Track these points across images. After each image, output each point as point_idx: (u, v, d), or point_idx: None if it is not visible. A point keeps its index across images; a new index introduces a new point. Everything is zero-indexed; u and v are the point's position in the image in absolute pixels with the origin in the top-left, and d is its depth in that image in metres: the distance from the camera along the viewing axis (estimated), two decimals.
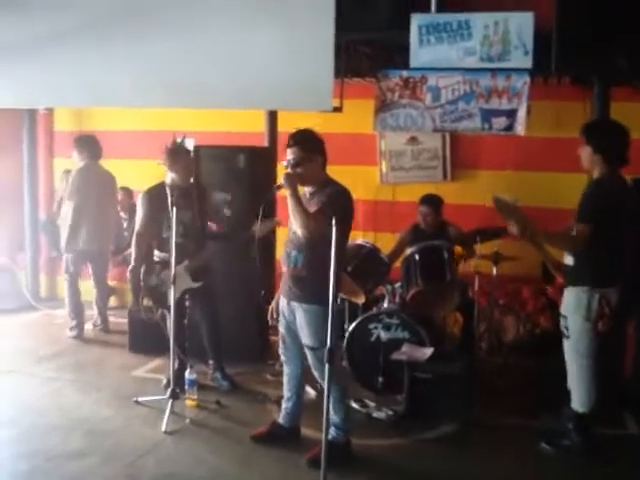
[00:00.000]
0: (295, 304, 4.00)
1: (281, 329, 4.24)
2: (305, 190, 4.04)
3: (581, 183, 4.42)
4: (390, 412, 4.70)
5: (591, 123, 4.24)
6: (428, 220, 5.80)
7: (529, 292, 6.49)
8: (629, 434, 4.60)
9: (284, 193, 3.89)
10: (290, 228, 4.02)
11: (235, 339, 5.57)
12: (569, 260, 4.10)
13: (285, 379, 4.34)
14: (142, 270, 5.16)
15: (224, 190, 5.68)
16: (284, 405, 4.36)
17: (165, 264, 4.91)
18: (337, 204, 3.83)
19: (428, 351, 4.80)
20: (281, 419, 4.35)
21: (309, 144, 4.00)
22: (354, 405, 4.80)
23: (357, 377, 5.15)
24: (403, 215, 6.64)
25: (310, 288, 3.87)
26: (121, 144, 7.58)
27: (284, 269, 4.10)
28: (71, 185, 6.44)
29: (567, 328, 4.08)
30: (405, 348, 4.90)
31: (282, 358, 4.33)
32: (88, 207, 6.40)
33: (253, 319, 5.87)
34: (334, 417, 4.02)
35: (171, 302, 4.68)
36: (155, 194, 4.99)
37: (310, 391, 5.12)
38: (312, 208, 3.84)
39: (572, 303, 4.05)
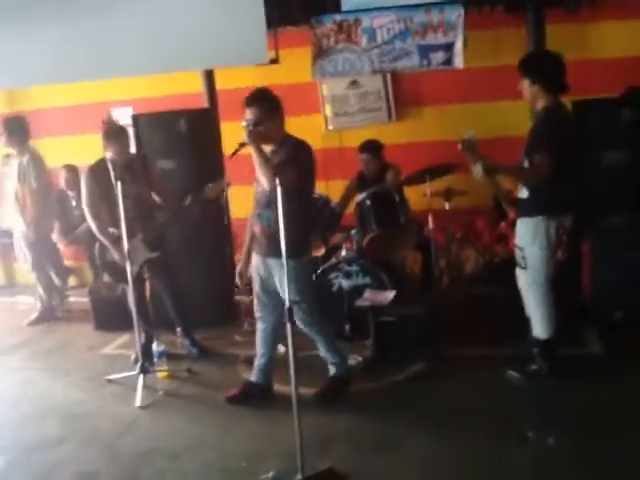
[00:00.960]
0: (272, 260, 4.04)
1: (256, 287, 4.29)
2: (267, 150, 4.04)
3: (524, 110, 4.46)
4: (360, 358, 4.76)
5: (525, 56, 4.26)
6: (370, 166, 5.83)
7: (484, 223, 6.58)
8: (590, 352, 4.74)
9: (247, 151, 3.92)
10: (257, 189, 4.08)
11: (200, 304, 5.57)
12: (523, 193, 4.15)
13: (259, 336, 4.38)
14: (97, 247, 5.11)
15: (168, 157, 5.58)
16: (257, 362, 4.41)
17: (119, 239, 4.85)
18: (297, 157, 3.95)
19: (390, 294, 4.85)
20: (254, 377, 4.41)
21: (268, 103, 4.05)
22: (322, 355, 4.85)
23: None
24: (353, 160, 6.61)
25: (284, 242, 3.85)
26: (59, 121, 7.41)
27: (256, 229, 4.14)
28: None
29: (524, 259, 4.15)
30: (367, 294, 4.95)
31: (257, 315, 4.38)
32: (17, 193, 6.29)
33: (217, 282, 5.87)
34: (328, 356, 4.32)
35: (129, 276, 4.63)
36: (98, 171, 4.90)
37: (280, 347, 5.17)
38: (277, 160, 3.94)
39: (529, 234, 4.11)
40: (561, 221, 4.05)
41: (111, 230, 4.91)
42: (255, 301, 4.37)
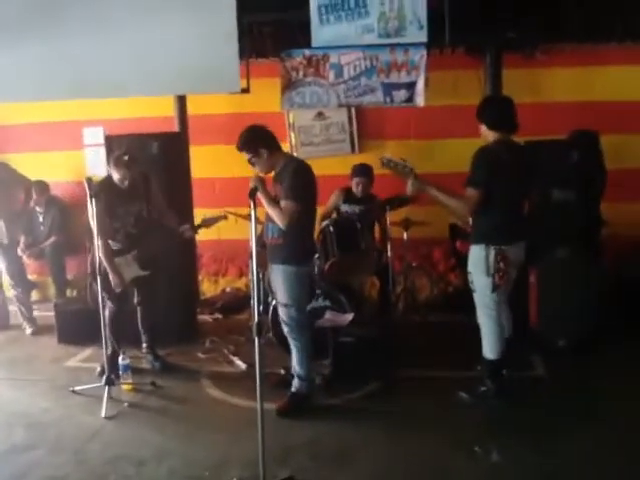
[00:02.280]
0: (274, 266, 4.48)
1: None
2: (275, 171, 4.47)
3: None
4: (319, 376, 4.97)
5: (480, 104, 4.58)
6: (363, 189, 6.06)
7: (440, 253, 6.90)
8: (537, 375, 5.04)
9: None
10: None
11: (164, 321, 5.67)
12: (470, 220, 4.47)
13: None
14: (89, 258, 5.29)
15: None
16: None
17: (115, 253, 5.09)
18: (293, 183, 4.28)
19: (349, 316, 5.07)
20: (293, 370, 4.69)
21: (249, 144, 4.41)
22: (282, 372, 5.06)
23: (284, 346, 5.39)
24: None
25: (285, 252, 4.38)
26: (29, 137, 7.52)
27: (265, 239, 4.55)
28: None
29: (473, 283, 4.46)
30: (328, 315, 5.15)
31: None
32: None
33: (180, 300, 6.02)
34: (298, 369, 4.56)
35: (99, 289, 4.79)
36: (104, 188, 5.03)
37: (240, 364, 5.37)
38: (277, 186, 4.36)
39: (474, 260, 4.43)
40: (501, 250, 4.33)
41: (111, 243, 5.08)
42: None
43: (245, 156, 4.41)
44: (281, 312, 4.52)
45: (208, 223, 5.24)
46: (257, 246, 4.45)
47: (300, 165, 4.45)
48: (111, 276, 5.03)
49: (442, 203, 4.44)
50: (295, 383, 4.59)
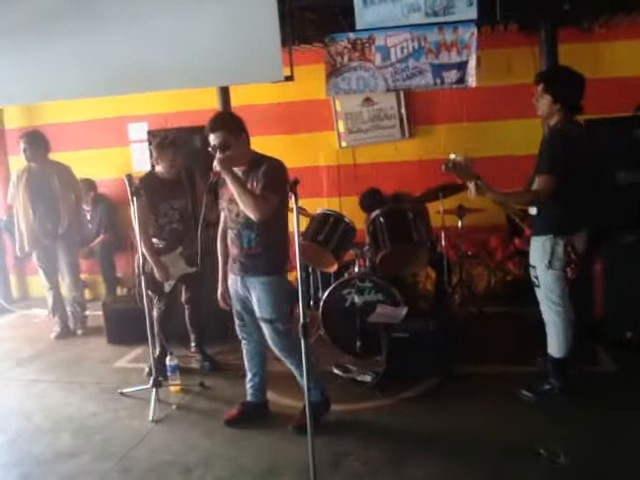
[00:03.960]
0: (251, 279, 4.01)
1: (237, 307, 4.22)
2: (236, 172, 3.93)
3: (535, 128, 4.48)
4: (372, 374, 4.77)
5: (550, 72, 4.23)
6: None
7: (496, 241, 6.60)
8: (603, 370, 4.74)
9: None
10: (231, 210, 4.01)
11: (214, 318, 5.55)
12: (533, 210, 4.15)
13: (247, 357, 4.33)
14: (136, 257, 5.19)
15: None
16: (250, 383, 4.37)
17: (160, 251, 4.98)
18: (278, 179, 3.83)
19: (403, 310, 4.86)
20: (249, 397, 4.38)
21: (232, 125, 3.93)
22: (336, 371, 4.88)
23: (336, 343, 5.23)
24: (365, 177, 6.68)
25: (266, 261, 3.95)
26: (74, 135, 7.49)
27: (233, 250, 4.05)
28: (12, 186, 6.35)
29: (537, 278, 4.16)
30: (380, 309, 4.96)
31: (241, 336, 4.31)
32: (40, 204, 6.27)
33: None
34: (302, 381, 4.03)
35: (143, 289, 4.69)
36: (147, 183, 4.90)
37: None
38: (252, 183, 3.85)
39: (539, 252, 4.11)
40: (570, 240, 4.04)
41: (154, 240, 4.97)
42: (236, 322, 4.27)
43: (217, 139, 3.82)
44: (266, 330, 4.04)
45: None
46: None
47: (278, 163, 3.94)
48: (157, 272, 4.93)
49: (508, 202, 4.18)
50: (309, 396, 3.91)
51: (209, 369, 5.26)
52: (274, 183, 3.79)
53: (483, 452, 3.74)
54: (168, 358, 4.95)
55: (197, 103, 6.78)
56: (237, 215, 3.96)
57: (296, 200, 3.29)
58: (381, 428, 4.14)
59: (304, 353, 3.34)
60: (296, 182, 3.31)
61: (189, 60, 5.58)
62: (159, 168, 5.04)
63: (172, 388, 4.89)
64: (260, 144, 6.90)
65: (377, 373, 4.76)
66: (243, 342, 4.32)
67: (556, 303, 4.13)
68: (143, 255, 4.78)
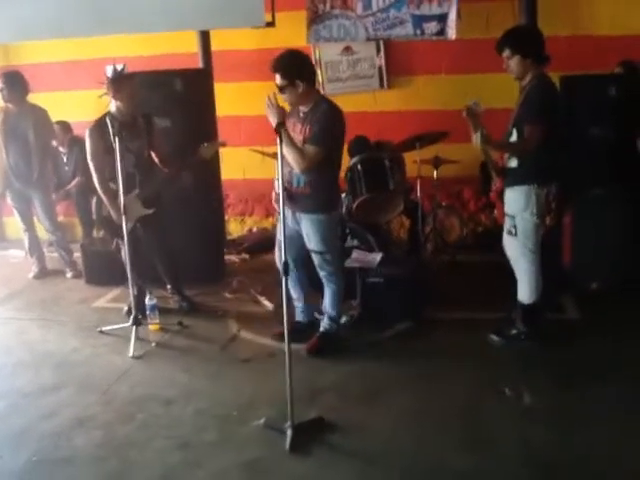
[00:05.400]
0: (301, 215, 4.32)
1: (280, 237, 4.32)
2: (300, 109, 4.22)
3: (511, 83, 4.56)
4: (346, 316, 4.91)
5: (509, 33, 4.30)
6: None
7: (470, 193, 6.74)
8: (569, 318, 4.94)
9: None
10: None
11: (190, 262, 5.64)
12: (513, 162, 4.27)
13: (290, 284, 4.53)
14: (94, 201, 5.20)
15: (163, 116, 5.59)
16: (297, 304, 4.76)
17: (116, 194, 4.94)
18: (326, 128, 4.07)
19: (377, 256, 4.99)
20: (298, 317, 4.77)
21: (289, 69, 4.09)
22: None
23: (312, 286, 5.34)
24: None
25: (314, 201, 4.24)
26: (52, 76, 7.38)
27: (287, 186, 4.17)
28: None
29: (515, 227, 4.29)
30: (355, 255, 5.07)
31: (278, 263, 4.49)
32: (13, 146, 6.24)
33: (207, 241, 5.96)
34: (330, 310, 4.52)
35: (124, 231, 4.72)
36: (104, 125, 4.84)
37: (267, 304, 5.33)
38: (305, 127, 4.13)
39: (521, 201, 4.23)
40: (550, 189, 4.19)
41: (111, 184, 4.97)
42: (276, 251, 4.54)
43: (277, 80, 4.09)
44: (315, 259, 4.42)
45: (206, 151, 4.94)
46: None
47: (333, 109, 4.18)
48: (113, 214, 4.91)
49: (502, 152, 4.31)
50: (325, 323, 4.56)
51: (187, 309, 5.37)
52: (320, 132, 4.06)
53: (451, 390, 3.92)
54: (147, 297, 5.03)
55: (177, 46, 6.74)
56: None
57: (280, 143, 3.36)
58: (356, 365, 4.31)
59: (284, 290, 3.46)
60: (282, 124, 3.39)
61: (170, 2, 5.56)
62: (118, 106, 4.93)
63: (151, 327, 4.99)
64: (239, 90, 7.04)
65: (352, 316, 4.91)
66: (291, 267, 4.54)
67: (531, 251, 4.29)
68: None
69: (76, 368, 4.43)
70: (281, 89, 4.10)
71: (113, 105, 4.94)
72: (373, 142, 5.86)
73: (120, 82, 4.88)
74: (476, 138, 3.96)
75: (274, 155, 5.42)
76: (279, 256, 4.46)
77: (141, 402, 3.94)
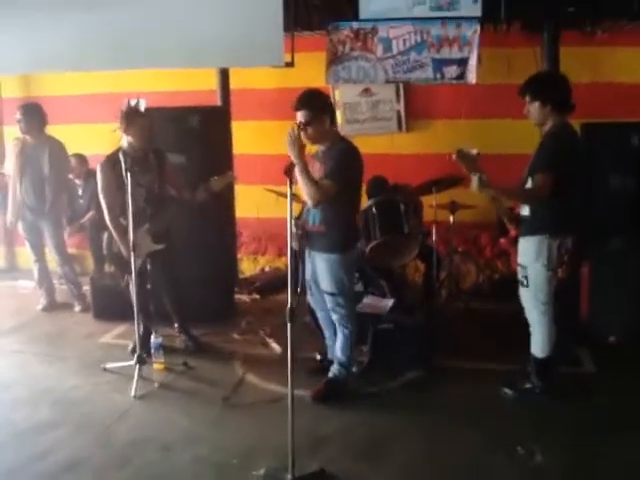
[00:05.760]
0: (315, 254, 4.30)
1: (307, 277, 4.53)
2: (319, 148, 4.26)
3: (531, 129, 4.49)
4: (356, 363, 4.76)
5: (532, 79, 4.25)
6: None
7: (487, 238, 6.63)
8: (586, 371, 4.77)
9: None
10: None
11: (200, 300, 5.57)
12: (525, 210, 4.16)
13: (321, 321, 4.65)
14: (106, 236, 5.15)
15: (178, 152, 5.54)
16: (329, 343, 4.66)
17: (126, 229, 4.88)
18: (341, 163, 4.08)
19: (389, 302, 4.89)
20: (329, 355, 4.66)
21: (316, 104, 4.15)
22: (318, 358, 4.88)
23: (321, 332, 5.23)
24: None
25: (328, 240, 4.20)
26: (70, 108, 7.44)
27: (307, 226, 4.30)
28: (8, 157, 6.32)
29: (526, 277, 4.16)
30: (367, 300, 4.97)
31: (312, 303, 4.66)
32: (28, 177, 6.24)
33: (218, 279, 5.89)
34: (340, 355, 4.39)
35: (132, 267, 4.66)
36: (116, 160, 4.80)
37: (275, 347, 5.21)
38: (323, 165, 4.13)
39: (532, 252, 4.11)
40: (563, 240, 4.06)
41: (121, 219, 4.92)
42: (307, 290, 4.61)
43: (301, 117, 4.08)
44: (328, 301, 4.33)
45: (216, 185, 4.91)
46: (296, 227, 4.32)
47: (350, 147, 4.20)
48: (123, 250, 4.85)
49: (506, 198, 4.21)
50: (334, 369, 4.43)
51: (193, 349, 5.26)
52: (335, 167, 4.05)
53: (461, 446, 3.76)
54: (153, 336, 4.95)
55: (196, 83, 6.76)
56: None
57: (290, 185, 3.29)
58: (363, 415, 4.16)
59: (289, 337, 3.34)
60: (291, 167, 3.32)
61: (190, 39, 5.56)
62: (129, 141, 4.89)
63: (155, 366, 4.88)
64: (256, 129, 7.01)
65: (360, 362, 4.78)
66: (316, 310, 4.66)
67: (543, 303, 4.15)
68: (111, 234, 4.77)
69: (75, 406, 4.33)
70: (306, 124, 4.07)
71: (125, 140, 4.91)
72: (391, 184, 5.79)
73: (132, 117, 4.87)
74: (474, 182, 3.85)
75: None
76: (308, 290, 4.58)
77: (139, 446, 3.81)
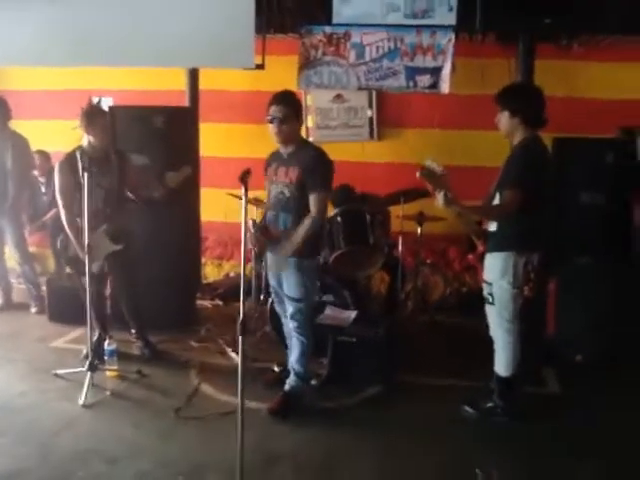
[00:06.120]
0: (282, 258, 4.13)
1: (273, 284, 4.40)
2: (281, 150, 4.19)
3: (503, 142, 4.40)
4: (314, 377, 4.64)
5: (505, 88, 4.16)
6: None
7: (455, 252, 6.54)
8: (550, 392, 4.68)
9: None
10: (270, 191, 4.21)
11: (160, 305, 5.43)
12: (492, 226, 4.05)
13: (285, 329, 4.48)
14: (60, 238, 4.99)
15: (141, 152, 5.38)
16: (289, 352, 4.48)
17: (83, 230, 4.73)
18: (327, 173, 4.09)
19: (352, 314, 4.75)
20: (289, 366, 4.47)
21: (293, 103, 4.12)
22: (277, 369, 4.74)
23: (282, 342, 5.09)
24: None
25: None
26: (36, 104, 7.26)
27: (275, 231, 4.18)
28: None
29: (491, 295, 4.06)
30: (328, 311, 4.84)
31: (278, 310, 4.54)
32: None
33: (180, 284, 5.73)
34: (297, 366, 4.27)
35: (86, 270, 4.50)
36: (75, 159, 4.60)
37: (234, 356, 5.07)
38: (292, 169, 4.05)
39: (498, 269, 4.00)
40: (530, 257, 3.96)
41: (78, 220, 4.75)
42: (273, 297, 4.53)
43: (277, 112, 4.01)
44: (290, 307, 4.21)
45: (172, 180, 4.83)
46: (257, 232, 4.19)
47: (323, 152, 4.14)
48: (77, 250, 4.69)
49: (472, 215, 4.10)
50: (291, 381, 4.29)
51: (149, 357, 5.10)
52: (325, 179, 4.07)
53: (416, 467, 3.64)
54: (107, 342, 4.79)
55: (165, 83, 6.61)
56: (277, 197, 4.13)
57: (245, 191, 3.16)
58: (318, 432, 4.03)
59: (240, 350, 3.20)
60: (248, 173, 3.20)
61: (159, 37, 5.41)
62: (90, 140, 4.76)
63: (108, 373, 4.72)
64: (226, 132, 6.86)
65: (319, 375, 4.64)
66: (282, 317, 4.50)
67: (508, 321, 4.05)
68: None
69: (20, 413, 4.15)
70: (282, 120, 4.01)
71: (85, 139, 4.75)
72: (359, 193, 5.67)
73: (93, 116, 4.73)
74: (439, 199, 3.71)
75: (254, 200, 5.25)
76: (274, 298, 4.48)
77: (83, 458, 3.64)
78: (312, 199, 4.00)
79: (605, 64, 6.33)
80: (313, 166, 4.03)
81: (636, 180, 5.26)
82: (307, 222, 3.99)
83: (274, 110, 4.05)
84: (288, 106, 4.05)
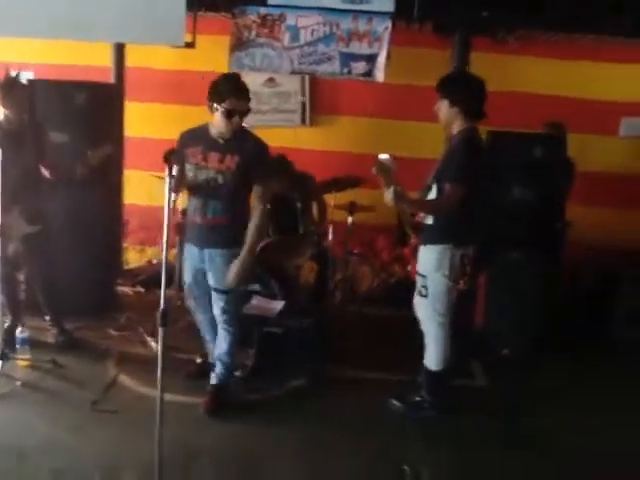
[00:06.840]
0: (211, 250, 3.93)
1: (188, 279, 4.14)
2: (215, 135, 3.89)
3: (438, 133, 4.34)
4: (239, 368, 4.50)
5: (447, 76, 4.08)
6: None
7: (384, 242, 6.49)
8: (477, 385, 4.69)
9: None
10: (196, 177, 3.88)
11: (78, 290, 5.20)
12: (428, 219, 3.97)
13: (203, 325, 4.29)
14: None
15: (61, 130, 5.11)
16: (210, 345, 4.30)
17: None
18: (269, 162, 4.04)
19: (278, 305, 4.65)
20: (211, 358, 4.31)
21: (247, 93, 3.95)
22: (199, 361, 4.57)
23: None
24: None
25: (229, 233, 3.89)
26: None
27: (196, 219, 3.93)
28: None
29: (425, 287, 3.99)
30: (255, 301, 4.72)
31: (192, 306, 4.28)
32: None
33: (99, 269, 5.49)
34: (226, 359, 4.10)
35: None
36: None
37: (154, 346, 4.88)
38: (230, 157, 3.81)
39: (433, 261, 3.94)
40: (466, 251, 3.91)
41: None
42: (188, 294, 4.24)
43: (240, 107, 3.82)
44: (219, 300, 4.00)
45: (93, 159, 4.60)
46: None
47: (263, 141, 3.98)
48: None
49: (418, 210, 4.02)
50: (219, 374, 4.13)
51: (65, 345, 4.85)
52: (270, 168, 4.03)
53: (342, 463, 3.56)
54: (19, 329, 4.53)
55: (89, 58, 6.29)
56: (206, 183, 3.85)
57: (170, 172, 2.99)
58: (241, 427, 3.90)
59: (160, 341, 3.04)
60: (171, 152, 3.04)
61: (82, 9, 5.14)
62: (5, 113, 4.51)
63: (20, 362, 4.47)
64: (153, 111, 6.60)
65: (245, 366, 4.51)
66: (195, 313, 4.28)
67: (441, 314, 3.99)
68: None
69: None
70: (244, 112, 3.86)
71: (1, 112, 4.48)
72: (298, 172, 5.48)
73: (9, 88, 4.48)
74: (388, 195, 3.62)
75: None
76: (189, 294, 4.22)
77: None
78: (259, 190, 3.88)
79: (540, 59, 6.36)
80: (259, 157, 3.87)
81: (565, 176, 5.33)
82: (256, 217, 3.87)
83: (239, 105, 3.82)
84: (248, 99, 3.90)
